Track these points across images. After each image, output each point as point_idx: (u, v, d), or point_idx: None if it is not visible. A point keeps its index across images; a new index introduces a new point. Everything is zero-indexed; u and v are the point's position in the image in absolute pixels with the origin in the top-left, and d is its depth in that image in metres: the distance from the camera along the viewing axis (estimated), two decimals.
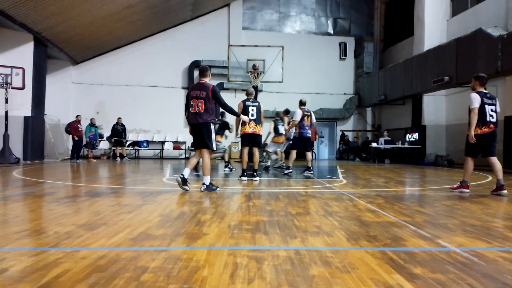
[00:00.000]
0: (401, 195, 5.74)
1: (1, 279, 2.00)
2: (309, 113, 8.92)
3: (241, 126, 7.55)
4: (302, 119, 8.81)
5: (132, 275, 2.07)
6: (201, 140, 5.66)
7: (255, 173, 7.53)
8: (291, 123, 9.24)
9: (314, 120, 9.08)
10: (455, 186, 6.14)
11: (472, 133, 5.66)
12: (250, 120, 7.43)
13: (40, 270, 2.13)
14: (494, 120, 5.76)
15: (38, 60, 13.85)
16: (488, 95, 5.80)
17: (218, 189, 5.79)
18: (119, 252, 2.50)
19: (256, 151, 7.78)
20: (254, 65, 15.11)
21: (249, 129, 7.44)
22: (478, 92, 5.75)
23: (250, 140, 7.56)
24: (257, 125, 7.47)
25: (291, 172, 8.88)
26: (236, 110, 7.28)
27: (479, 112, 5.63)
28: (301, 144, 8.99)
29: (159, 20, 17.48)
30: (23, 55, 13.20)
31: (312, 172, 9.13)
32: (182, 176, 5.54)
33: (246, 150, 7.60)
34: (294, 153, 9.17)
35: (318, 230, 3.21)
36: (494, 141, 5.83)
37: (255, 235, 2.99)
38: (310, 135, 8.99)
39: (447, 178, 8.76)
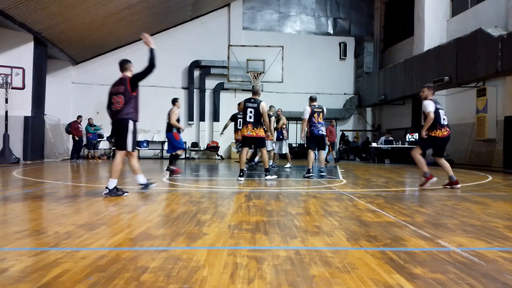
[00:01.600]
0: (401, 195, 5.75)
1: (1, 279, 2.00)
2: (320, 109, 8.22)
3: (241, 127, 7.67)
4: (311, 116, 8.17)
5: (132, 275, 2.07)
6: (117, 138, 5.23)
7: (266, 173, 7.55)
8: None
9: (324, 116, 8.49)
10: (422, 183, 6.45)
11: (424, 132, 6.44)
12: (248, 122, 7.44)
13: (40, 270, 2.13)
14: (446, 123, 6.46)
15: (38, 60, 13.84)
16: (438, 101, 6.57)
17: (126, 193, 5.14)
18: (119, 252, 2.50)
19: (264, 151, 7.71)
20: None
21: (246, 132, 7.47)
22: (431, 99, 6.45)
23: (250, 143, 7.61)
24: (256, 128, 7.42)
25: (312, 175, 8.08)
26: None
27: (435, 116, 6.30)
28: (315, 143, 8.25)
29: (159, 20, 17.48)
30: (23, 55, 13.18)
31: (323, 173, 8.53)
32: (141, 185, 5.43)
33: (244, 151, 7.63)
34: (311, 154, 8.30)
35: (318, 230, 3.21)
36: (447, 144, 6.69)
37: (255, 235, 2.99)
38: (323, 133, 8.28)
39: (447, 178, 8.74)
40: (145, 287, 1.91)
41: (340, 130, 20.23)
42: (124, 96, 5.12)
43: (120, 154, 5.23)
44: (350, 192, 5.86)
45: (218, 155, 18.40)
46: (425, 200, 5.41)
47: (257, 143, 7.62)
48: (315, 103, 8.35)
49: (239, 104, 10.03)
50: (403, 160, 16.22)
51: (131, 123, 5.16)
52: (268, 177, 7.43)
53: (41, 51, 14.10)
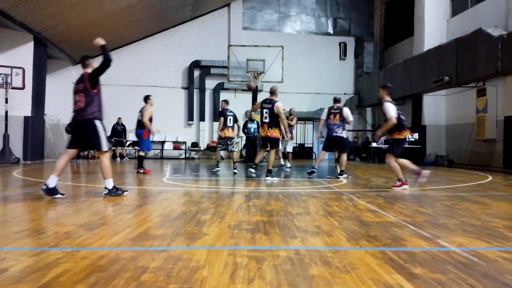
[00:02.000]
0: (401, 195, 5.74)
1: (1, 279, 2.00)
2: (337, 111, 8.13)
3: (260, 127, 7.99)
4: (327, 117, 8.16)
5: (132, 275, 2.07)
6: (86, 140, 4.91)
7: (268, 174, 7.55)
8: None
9: (349, 118, 8.21)
10: (396, 184, 6.34)
11: (380, 133, 6.66)
12: (263, 123, 7.64)
13: (40, 270, 2.13)
14: (406, 123, 6.58)
15: (38, 60, 13.84)
16: (395, 103, 6.45)
17: (126, 192, 5.16)
18: (119, 252, 2.50)
19: (272, 152, 7.73)
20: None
21: (263, 132, 7.68)
22: (390, 102, 6.34)
23: (266, 143, 7.76)
24: (270, 128, 7.54)
25: (313, 171, 8.25)
26: None
27: (399, 118, 6.21)
28: (327, 144, 8.35)
29: (159, 20, 17.48)
30: (23, 55, 13.18)
31: (346, 175, 8.25)
32: (45, 187, 4.71)
33: (261, 151, 7.98)
34: (321, 154, 8.40)
35: (318, 230, 3.21)
36: None
37: (255, 235, 2.99)
38: (339, 134, 8.10)
39: (447, 178, 8.76)
40: (145, 287, 1.91)
41: None
42: (84, 94, 4.78)
43: (103, 155, 4.95)
44: (350, 192, 5.86)
45: None
46: (425, 200, 5.41)
47: (271, 143, 7.68)
48: (334, 104, 8.29)
49: (225, 101, 9.74)
50: None
51: (97, 122, 4.85)
52: (269, 178, 7.42)
53: (41, 51, 14.10)
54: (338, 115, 8.11)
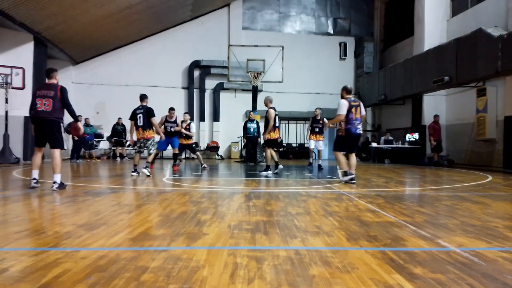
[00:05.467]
0: (401, 195, 5.74)
1: (1, 279, 2.00)
2: (357, 103, 6.93)
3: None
4: (349, 111, 6.82)
5: (132, 275, 2.07)
6: (49, 138, 5.87)
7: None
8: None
9: (364, 112, 7.07)
10: (342, 178, 7.16)
11: (328, 125, 7.60)
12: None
13: (40, 270, 2.13)
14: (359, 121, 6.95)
15: (38, 60, 13.83)
16: (353, 99, 7.01)
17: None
18: (119, 252, 2.50)
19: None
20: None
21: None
22: (346, 99, 6.94)
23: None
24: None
25: (352, 179, 6.95)
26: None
27: (348, 114, 6.82)
28: (349, 144, 7.00)
29: (159, 20, 17.49)
30: (23, 55, 13.18)
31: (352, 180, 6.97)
32: (35, 180, 5.86)
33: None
34: (342, 156, 7.12)
35: (318, 230, 3.22)
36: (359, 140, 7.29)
37: (255, 235, 2.99)
38: (361, 132, 7.04)
39: (447, 178, 8.75)
40: (145, 287, 1.92)
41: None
42: (52, 100, 5.76)
43: (58, 152, 6.01)
44: (350, 192, 5.86)
45: (218, 155, 18.40)
46: (425, 200, 5.40)
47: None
48: (350, 96, 7.10)
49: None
50: (403, 160, 16.22)
51: (61, 125, 6.01)
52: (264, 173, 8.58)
53: (41, 51, 14.09)
54: (358, 109, 6.92)
